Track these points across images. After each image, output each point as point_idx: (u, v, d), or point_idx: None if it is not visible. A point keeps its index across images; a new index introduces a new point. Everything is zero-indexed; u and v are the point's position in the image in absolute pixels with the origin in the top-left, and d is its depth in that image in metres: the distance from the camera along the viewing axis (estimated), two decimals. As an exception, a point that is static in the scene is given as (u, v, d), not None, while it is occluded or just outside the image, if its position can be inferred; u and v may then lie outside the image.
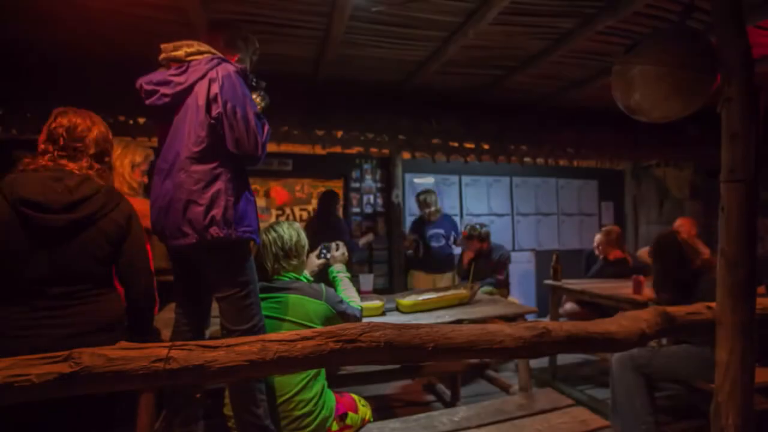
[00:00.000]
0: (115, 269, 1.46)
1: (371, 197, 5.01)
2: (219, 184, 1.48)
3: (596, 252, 3.96)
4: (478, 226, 4.14)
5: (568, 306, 3.81)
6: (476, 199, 5.39)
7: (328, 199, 4.13)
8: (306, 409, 1.63)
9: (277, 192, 4.64)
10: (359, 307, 1.91)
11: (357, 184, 4.95)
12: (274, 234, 1.80)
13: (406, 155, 4.52)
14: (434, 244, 4.29)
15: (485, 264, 4.11)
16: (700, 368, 2.20)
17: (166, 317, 2.06)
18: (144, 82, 1.57)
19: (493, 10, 2.28)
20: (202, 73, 1.50)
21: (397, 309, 2.40)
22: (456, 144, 3.93)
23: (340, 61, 2.96)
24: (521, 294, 5.28)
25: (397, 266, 4.81)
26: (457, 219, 5.27)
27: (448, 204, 5.25)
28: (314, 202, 4.76)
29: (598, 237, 3.95)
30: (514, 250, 5.37)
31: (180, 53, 1.55)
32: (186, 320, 1.68)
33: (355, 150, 3.96)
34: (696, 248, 2.38)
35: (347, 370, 2.85)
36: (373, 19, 2.41)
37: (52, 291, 1.32)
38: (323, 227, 3.86)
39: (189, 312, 1.69)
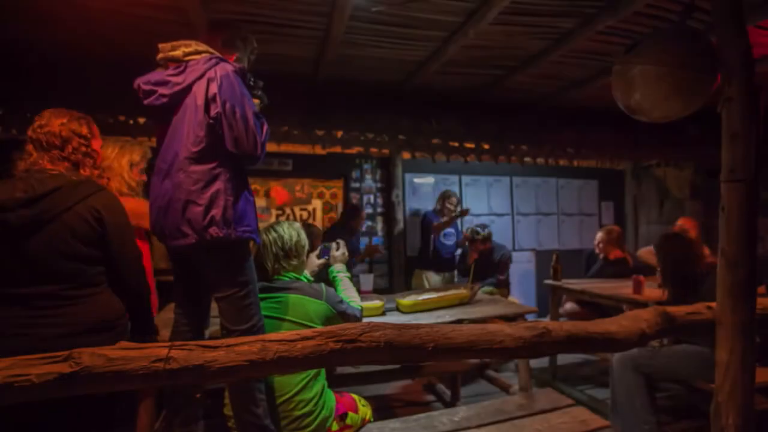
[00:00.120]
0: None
1: (371, 197, 5.01)
2: (218, 184, 1.47)
3: (597, 250, 3.96)
4: (479, 229, 4.14)
5: (568, 306, 3.81)
6: (476, 199, 5.39)
7: (349, 213, 4.19)
8: (306, 409, 1.63)
9: (277, 192, 4.64)
10: (359, 307, 1.91)
11: (357, 184, 4.95)
12: (274, 234, 1.80)
13: (406, 155, 4.52)
14: (447, 242, 4.30)
15: (486, 263, 4.11)
16: (700, 368, 2.20)
17: (166, 317, 2.06)
18: (142, 82, 1.56)
19: (493, 9, 2.28)
20: (200, 73, 1.50)
21: (397, 309, 2.40)
22: (456, 144, 3.93)
23: (340, 61, 2.96)
24: (521, 294, 5.28)
25: (397, 266, 4.81)
26: (456, 219, 5.27)
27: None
28: (314, 202, 4.76)
29: (599, 235, 3.95)
30: (514, 250, 5.37)
31: (178, 53, 1.54)
32: (186, 320, 1.68)
33: (355, 150, 3.96)
34: (701, 250, 2.38)
35: (347, 370, 2.85)
36: (373, 19, 2.41)
37: (24, 292, 1.29)
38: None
39: (189, 312, 1.69)
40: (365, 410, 1.89)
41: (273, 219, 4.59)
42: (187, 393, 1.67)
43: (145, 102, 1.56)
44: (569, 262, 5.15)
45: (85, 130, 1.48)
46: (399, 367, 2.83)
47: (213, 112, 1.46)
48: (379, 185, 5.03)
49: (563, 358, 3.61)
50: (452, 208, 4.31)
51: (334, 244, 2.17)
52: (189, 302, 1.68)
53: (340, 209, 4.86)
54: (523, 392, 2.37)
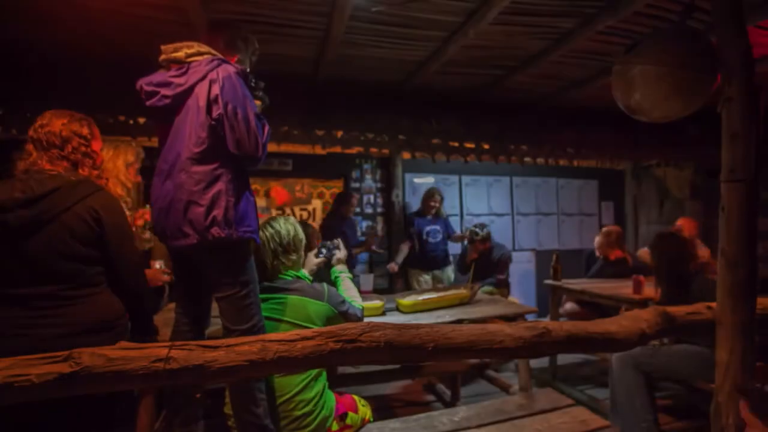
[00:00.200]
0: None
1: (371, 197, 5.01)
2: (220, 185, 1.48)
3: (597, 253, 3.97)
4: (478, 230, 4.13)
5: (568, 306, 3.81)
6: (476, 199, 5.39)
7: (339, 199, 4.29)
8: (306, 409, 1.63)
9: (277, 192, 4.64)
10: (361, 307, 1.91)
11: (357, 184, 4.95)
12: (271, 230, 1.79)
13: (406, 155, 4.53)
14: (431, 240, 4.30)
15: (486, 263, 4.12)
16: (700, 368, 2.20)
17: (166, 317, 2.06)
18: (144, 83, 1.57)
19: (493, 9, 2.28)
20: (202, 75, 1.50)
21: (397, 309, 2.40)
22: (456, 144, 3.93)
23: (340, 61, 2.96)
24: (521, 294, 5.28)
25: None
26: (457, 219, 5.27)
27: (449, 204, 5.24)
28: (314, 202, 4.77)
29: (597, 239, 3.96)
30: (514, 250, 5.38)
31: (180, 54, 1.55)
32: (186, 320, 1.68)
33: (355, 150, 3.96)
34: (694, 250, 2.40)
35: (347, 370, 2.85)
36: (373, 19, 2.41)
37: (23, 292, 1.29)
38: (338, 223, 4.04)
39: (189, 312, 1.69)
40: (365, 410, 1.89)
41: (273, 219, 4.59)
42: (187, 393, 1.67)
43: (148, 103, 1.56)
44: (569, 262, 5.15)
45: (85, 131, 1.48)
46: (399, 367, 2.83)
47: (215, 114, 1.46)
48: (379, 185, 5.03)
49: (563, 358, 3.61)
50: (436, 205, 4.31)
51: (331, 243, 2.17)
52: (190, 302, 1.68)
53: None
54: (523, 392, 2.37)
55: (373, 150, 3.92)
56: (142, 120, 3.05)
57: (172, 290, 1.71)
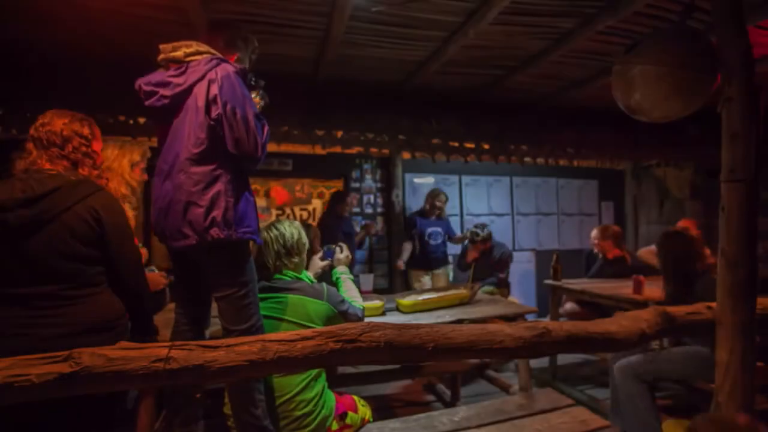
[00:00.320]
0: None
1: (371, 197, 5.01)
2: (219, 186, 1.48)
3: (595, 250, 3.98)
4: (479, 231, 4.14)
5: (568, 306, 3.81)
6: (476, 199, 5.39)
7: (335, 198, 4.31)
8: (306, 409, 1.63)
9: (277, 192, 4.64)
10: (361, 307, 1.91)
11: (357, 184, 4.96)
12: (275, 232, 1.80)
13: (406, 155, 4.53)
14: (432, 241, 4.30)
15: (486, 262, 4.12)
16: (700, 368, 2.20)
17: (166, 317, 2.06)
18: (143, 83, 1.56)
19: (493, 9, 2.28)
20: (201, 74, 1.50)
21: (397, 309, 2.40)
22: (456, 144, 3.93)
23: (340, 61, 2.96)
24: (521, 294, 5.29)
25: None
26: (456, 219, 5.27)
27: (449, 204, 5.25)
28: (314, 202, 4.77)
29: (593, 233, 3.97)
30: (514, 250, 5.38)
31: (179, 54, 1.54)
32: (186, 320, 1.68)
33: (355, 150, 3.96)
34: (702, 249, 2.38)
35: (347, 370, 2.85)
36: (373, 19, 2.41)
37: (23, 292, 1.29)
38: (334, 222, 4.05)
39: (189, 312, 1.69)
40: (365, 410, 1.89)
41: (273, 219, 4.59)
42: (187, 393, 1.67)
43: (147, 103, 1.56)
44: (569, 262, 5.15)
45: (86, 131, 1.48)
46: (399, 367, 2.83)
47: (214, 114, 1.46)
48: (379, 185, 5.03)
49: (563, 358, 3.61)
50: (441, 206, 4.30)
51: (337, 247, 2.19)
52: (190, 302, 1.68)
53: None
54: (523, 392, 2.37)
55: (373, 150, 3.92)
56: (142, 120, 3.05)
57: (171, 291, 1.71)
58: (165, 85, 1.53)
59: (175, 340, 1.60)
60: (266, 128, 1.56)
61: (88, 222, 1.36)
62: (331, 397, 1.76)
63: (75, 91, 2.80)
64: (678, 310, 1.46)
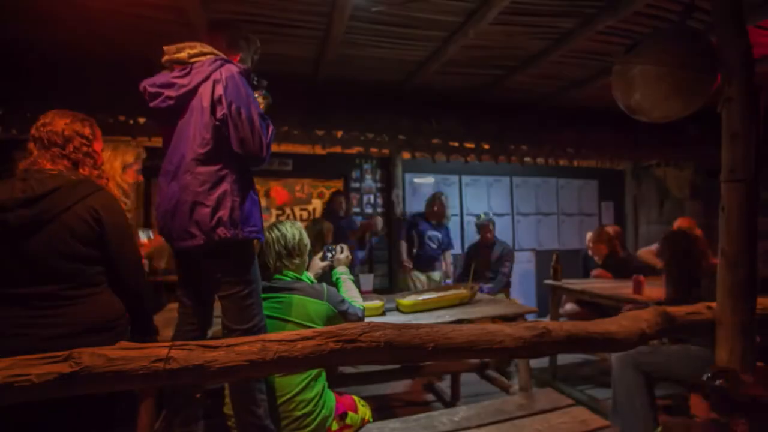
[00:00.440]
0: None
1: (371, 197, 5.01)
2: (225, 186, 1.48)
3: (590, 252, 4.00)
4: (483, 215, 4.32)
5: (568, 306, 3.81)
6: (476, 199, 5.39)
7: (332, 198, 4.31)
8: (306, 409, 1.63)
9: (277, 192, 4.64)
10: (361, 307, 1.91)
11: (357, 184, 4.96)
12: (277, 232, 1.81)
13: (406, 155, 4.53)
14: (430, 244, 4.30)
15: (488, 258, 4.15)
16: (700, 368, 2.19)
17: (167, 317, 2.06)
18: (147, 84, 1.57)
19: (493, 10, 2.28)
20: (205, 75, 1.50)
21: (397, 309, 2.40)
22: (456, 144, 3.93)
23: (340, 61, 2.96)
24: (521, 294, 5.29)
25: (397, 266, 4.81)
26: (456, 219, 5.28)
27: (449, 204, 5.25)
28: (314, 202, 4.77)
29: (589, 235, 3.99)
30: (514, 249, 5.38)
31: (183, 55, 1.55)
32: (189, 320, 1.68)
33: (355, 150, 3.96)
34: (706, 248, 2.36)
35: (347, 370, 2.85)
36: (373, 19, 2.41)
37: (23, 292, 1.29)
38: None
39: (193, 312, 1.68)
40: (365, 410, 1.89)
41: (273, 219, 4.60)
42: (187, 393, 1.67)
43: (152, 104, 1.56)
44: (569, 262, 5.15)
45: (88, 131, 1.49)
46: (399, 367, 2.83)
47: (219, 114, 1.47)
48: (379, 185, 5.03)
49: (563, 358, 3.61)
50: (441, 211, 4.29)
51: (338, 247, 2.19)
52: (194, 302, 1.68)
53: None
54: (523, 392, 2.37)
55: (373, 150, 3.92)
56: (142, 120, 3.05)
57: (175, 290, 1.71)
58: (170, 86, 1.54)
59: (177, 340, 1.60)
60: (271, 128, 1.57)
61: (87, 222, 1.36)
62: (331, 397, 1.76)
63: (75, 91, 2.80)
64: (678, 310, 1.46)
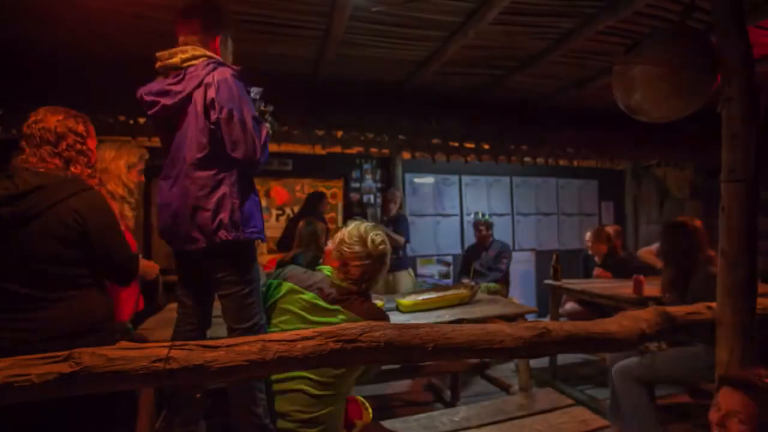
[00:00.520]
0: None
1: (371, 197, 5.01)
2: (224, 188, 1.48)
3: (589, 252, 4.00)
4: (480, 214, 4.30)
5: (569, 306, 3.81)
6: (476, 199, 5.39)
7: (313, 199, 4.22)
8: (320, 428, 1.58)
9: (277, 192, 4.64)
10: None
11: (357, 184, 4.96)
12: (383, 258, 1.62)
13: (406, 155, 4.53)
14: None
15: (486, 256, 4.16)
16: (700, 369, 2.19)
17: (166, 317, 2.06)
18: (144, 93, 1.56)
19: (493, 10, 2.28)
20: (199, 80, 1.49)
21: (397, 309, 2.40)
22: (456, 144, 3.93)
23: (340, 61, 2.96)
24: (521, 294, 5.29)
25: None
26: (456, 219, 5.28)
27: (449, 204, 5.25)
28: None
29: (588, 235, 4.00)
30: (514, 250, 5.38)
31: (176, 60, 1.53)
32: (188, 320, 1.68)
33: (355, 150, 3.96)
34: (705, 240, 2.35)
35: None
36: (373, 19, 2.41)
37: (4, 289, 1.28)
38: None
39: (192, 312, 1.68)
40: (368, 414, 1.88)
41: (273, 219, 4.59)
42: (187, 393, 1.67)
43: (150, 113, 1.57)
44: (569, 262, 5.15)
45: (81, 128, 1.47)
46: (399, 367, 2.83)
47: (213, 118, 1.46)
48: (379, 185, 5.03)
49: (563, 358, 3.61)
50: (393, 206, 4.21)
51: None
52: (193, 302, 1.68)
53: (340, 209, 4.86)
54: (523, 392, 2.37)
55: (373, 150, 3.92)
56: (142, 120, 3.05)
57: (175, 290, 1.70)
58: (165, 94, 1.53)
59: (177, 340, 1.60)
60: (265, 131, 1.56)
61: (68, 223, 1.34)
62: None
63: (75, 91, 2.79)
64: (678, 310, 1.46)
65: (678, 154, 4.64)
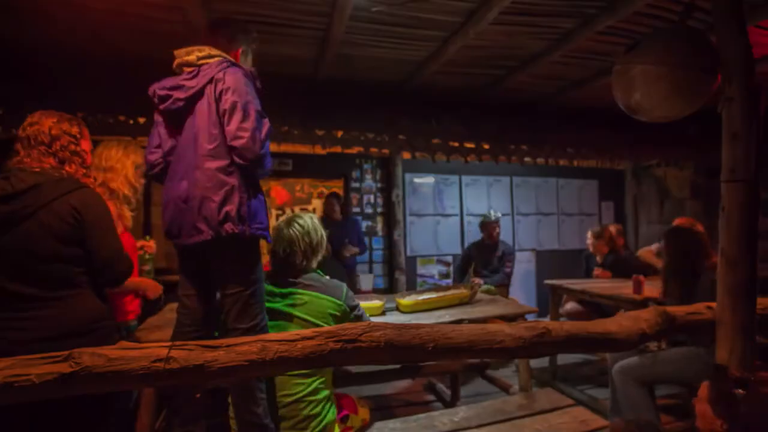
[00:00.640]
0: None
1: (371, 197, 5.01)
2: (233, 181, 1.50)
3: (590, 250, 4.01)
4: (492, 213, 4.28)
5: (569, 306, 3.81)
6: (476, 199, 5.39)
7: (328, 200, 4.21)
8: (315, 411, 1.60)
9: (277, 192, 4.65)
10: (369, 318, 1.91)
11: (357, 184, 4.96)
12: (299, 228, 1.73)
13: (406, 155, 4.53)
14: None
15: (491, 256, 4.15)
16: (700, 369, 2.19)
17: (167, 317, 2.06)
18: (157, 88, 1.60)
19: (493, 10, 2.28)
20: (211, 76, 1.54)
21: (397, 309, 2.40)
22: (456, 144, 3.94)
23: (340, 61, 2.96)
24: (521, 294, 5.28)
25: (397, 266, 4.81)
26: (456, 219, 5.27)
27: (449, 204, 5.25)
28: (314, 202, 4.76)
29: (589, 234, 4.01)
30: (514, 249, 5.39)
31: (192, 57, 1.58)
32: (189, 320, 1.67)
33: (355, 150, 3.96)
34: (709, 246, 2.34)
35: (347, 370, 2.85)
36: (373, 19, 2.41)
37: (1, 288, 1.28)
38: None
39: (193, 312, 1.68)
40: (364, 411, 1.89)
41: (273, 219, 4.60)
42: (187, 393, 1.67)
43: (162, 107, 1.59)
44: (569, 262, 5.16)
45: (75, 130, 1.48)
46: (399, 367, 2.83)
47: (220, 109, 1.50)
48: (379, 185, 5.03)
49: (563, 358, 3.61)
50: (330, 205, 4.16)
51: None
52: (194, 302, 1.68)
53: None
54: (523, 392, 2.37)
55: (373, 150, 3.92)
56: (142, 120, 3.05)
57: (175, 290, 1.70)
58: (179, 88, 1.57)
59: (177, 340, 1.59)
60: (267, 126, 1.57)
61: (66, 220, 1.34)
62: (332, 396, 1.76)
63: (75, 92, 2.80)
64: (678, 310, 1.46)
65: (678, 154, 4.65)
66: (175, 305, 1.71)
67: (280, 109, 3.22)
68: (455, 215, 5.27)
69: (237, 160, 1.49)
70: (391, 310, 2.38)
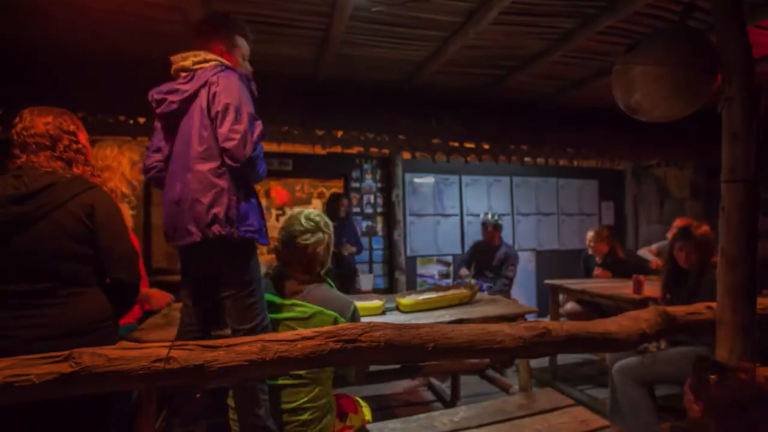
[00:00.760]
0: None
1: (371, 197, 5.01)
2: (222, 183, 1.49)
3: (590, 251, 4.00)
4: (490, 216, 4.28)
5: (569, 306, 3.81)
6: (476, 199, 5.39)
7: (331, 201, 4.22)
8: (315, 415, 1.60)
9: (277, 192, 4.65)
10: None
11: (357, 184, 4.96)
12: (321, 235, 1.72)
13: (406, 155, 4.53)
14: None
15: (491, 258, 4.15)
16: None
17: (166, 317, 2.06)
18: (154, 93, 1.62)
19: (493, 10, 2.28)
20: (206, 79, 1.55)
21: (397, 309, 2.40)
22: (456, 144, 3.94)
23: (340, 61, 2.96)
24: (521, 294, 5.28)
25: (397, 266, 4.81)
26: (456, 219, 5.27)
27: (449, 204, 5.26)
28: (314, 202, 4.77)
29: (589, 235, 4.01)
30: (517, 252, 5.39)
31: (188, 63, 1.60)
32: (192, 320, 1.68)
33: (355, 150, 3.96)
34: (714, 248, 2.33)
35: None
36: (373, 19, 2.41)
37: (13, 289, 1.28)
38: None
39: (195, 312, 1.68)
40: (364, 411, 1.89)
41: (273, 219, 4.59)
42: (187, 393, 1.67)
43: (158, 111, 1.61)
44: (569, 262, 5.16)
45: (72, 127, 1.48)
46: (399, 367, 2.83)
47: (213, 112, 1.50)
48: (379, 185, 5.03)
49: (563, 358, 3.62)
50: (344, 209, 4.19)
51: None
52: (195, 302, 1.68)
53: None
54: (523, 392, 2.37)
55: (373, 150, 3.93)
56: (142, 120, 3.05)
57: (176, 291, 1.70)
58: (173, 92, 1.59)
59: (179, 340, 1.59)
60: (259, 129, 1.55)
61: (81, 219, 1.35)
62: (332, 400, 1.76)
63: (75, 92, 2.80)
64: (678, 310, 1.46)
65: (678, 154, 4.64)
66: (177, 305, 1.71)
67: (280, 109, 3.22)
68: (455, 215, 5.27)
69: (228, 161, 1.49)
70: (391, 310, 2.38)
